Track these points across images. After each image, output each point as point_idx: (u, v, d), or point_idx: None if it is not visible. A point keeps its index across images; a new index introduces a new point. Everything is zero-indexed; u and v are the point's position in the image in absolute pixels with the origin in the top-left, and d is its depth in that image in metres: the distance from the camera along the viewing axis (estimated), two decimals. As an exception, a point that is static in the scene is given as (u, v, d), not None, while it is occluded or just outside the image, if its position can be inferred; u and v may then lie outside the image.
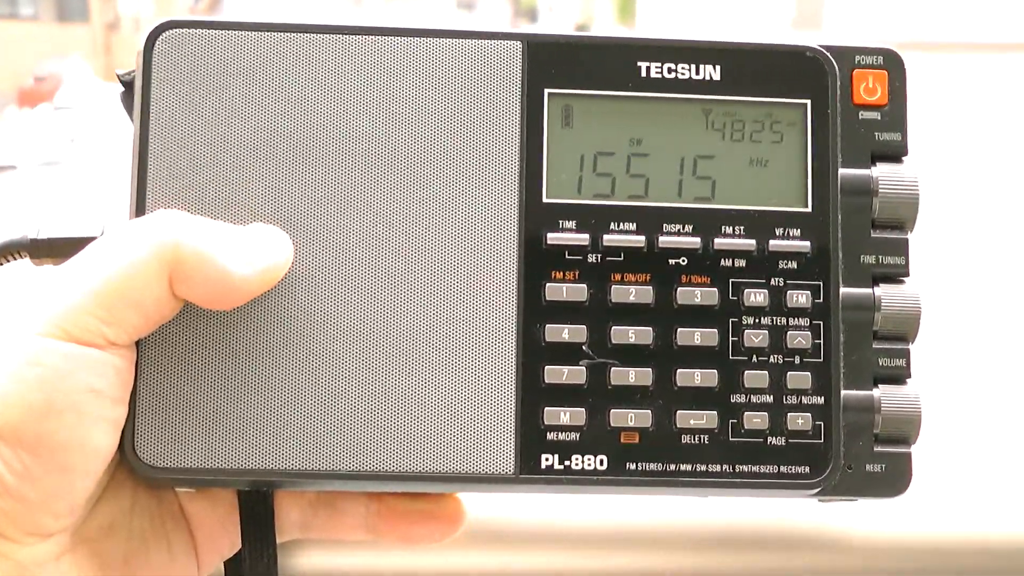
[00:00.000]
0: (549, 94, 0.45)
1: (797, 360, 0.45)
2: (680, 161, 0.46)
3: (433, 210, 0.44)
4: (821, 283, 0.45)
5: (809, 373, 0.45)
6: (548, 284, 0.44)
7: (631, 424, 0.44)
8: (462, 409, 0.43)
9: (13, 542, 0.38)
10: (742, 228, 0.45)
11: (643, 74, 0.46)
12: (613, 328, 0.44)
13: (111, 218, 0.45)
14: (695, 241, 0.45)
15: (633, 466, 0.44)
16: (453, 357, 0.43)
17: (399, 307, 0.44)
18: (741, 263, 0.45)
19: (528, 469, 0.43)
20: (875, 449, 0.45)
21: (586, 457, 0.44)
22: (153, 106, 0.44)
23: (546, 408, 0.44)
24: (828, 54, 0.46)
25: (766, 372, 0.44)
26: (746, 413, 0.44)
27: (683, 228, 0.45)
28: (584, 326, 0.44)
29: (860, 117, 0.46)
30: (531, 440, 0.43)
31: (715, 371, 0.44)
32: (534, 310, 0.44)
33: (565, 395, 0.44)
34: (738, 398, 0.44)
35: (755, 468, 0.44)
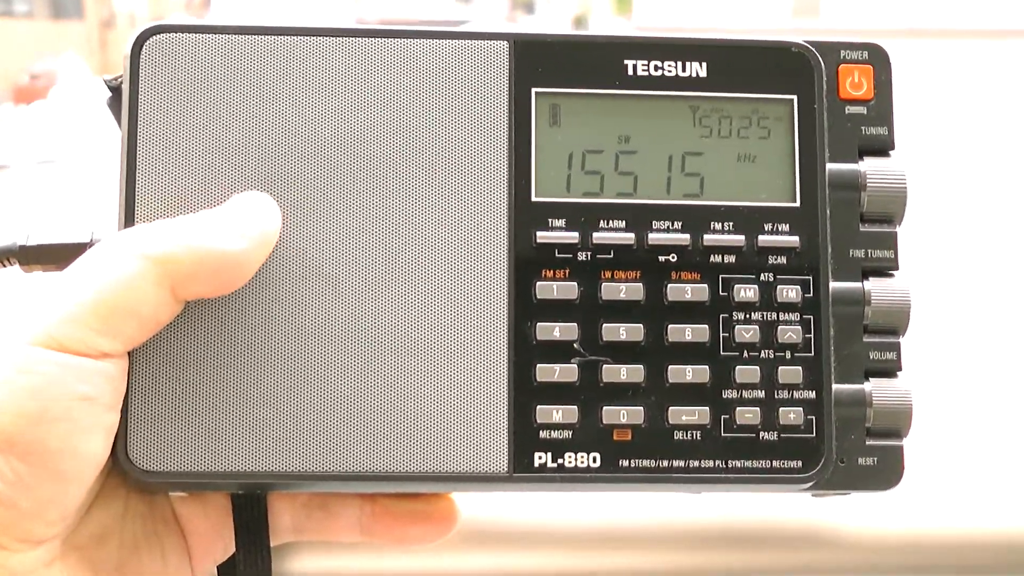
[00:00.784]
0: (537, 93, 0.45)
1: (788, 355, 0.45)
2: (668, 158, 0.46)
3: (423, 211, 0.44)
4: (811, 278, 0.45)
5: (800, 368, 0.45)
6: (538, 282, 0.44)
7: (623, 421, 0.44)
8: (454, 409, 0.43)
9: (4, 549, 0.38)
10: (731, 224, 0.45)
11: (630, 72, 0.46)
12: (604, 325, 0.44)
13: (100, 223, 0.45)
14: (684, 237, 0.45)
15: (626, 463, 0.44)
16: (444, 356, 0.43)
17: (390, 308, 0.44)
18: (731, 259, 0.45)
19: (521, 468, 0.43)
20: (867, 443, 0.45)
21: (579, 455, 0.44)
22: (141, 110, 0.44)
23: (538, 406, 0.44)
24: (814, 50, 0.46)
25: (757, 367, 0.44)
26: (738, 408, 0.44)
27: (672, 225, 0.45)
28: (575, 324, 0.44)
29: (846, 112, 0.46)
30: (524, 439, 0.43)
31: (706, 367, 0.44)
32: (525, 308, 0.44)
33: (557, 393, 0.44)
34: (730, 394, 0.44)
35: (748, 463, 0.44)
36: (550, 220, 0.45)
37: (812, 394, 0.45)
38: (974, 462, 0.54)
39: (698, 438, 0.44)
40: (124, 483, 0.43)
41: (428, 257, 0.44)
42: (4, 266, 0.45)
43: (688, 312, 0.45)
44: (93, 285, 0.39)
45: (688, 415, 0.44)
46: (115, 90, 0.46)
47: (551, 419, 0.44)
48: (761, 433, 0.44)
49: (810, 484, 0.44)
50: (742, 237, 0.45)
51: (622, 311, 0.44)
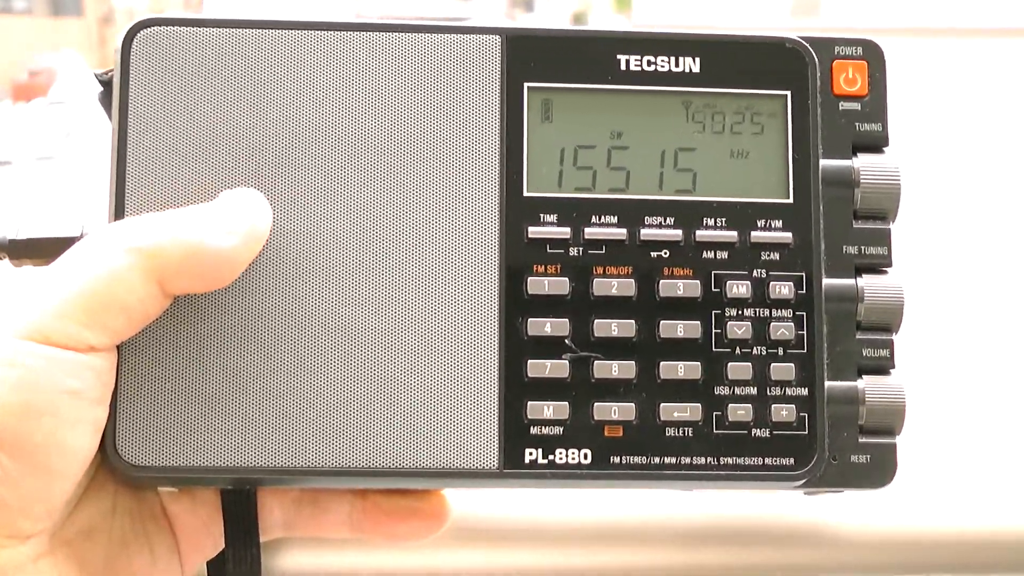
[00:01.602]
0: (529, 88, 0.45)
1: (781, 352, 0.45)
2: (661, 154, 0.45)
3: (414, 206, 0.44)
4: (804, 274, 0.45)
5: (793, 364, 0.45)
6: (530, 278, 0.44)
7: (615, 417, 0.44)
8: (445, 404, 0.43)
9: None
10: (724, 220, 0.45)
11: (623, 67, 0.45)
12: (596, 321, 0.44)
13: (91, 217, 0.45)
14: (677, 233, 0.45)
15: (617, 459, 0.44)
16: (435, 352, 0.43)
17: (380, 303, 0.43)
18: (723, 255, 0.45)
19: (512, 464, 0.43)
20: (860, 440, 0.45)
21: (570, 451, 0.44)
22: (132, 104, 0.44)
23: (529, 402, 0.43)
24: (808, 45, 0.46)
25: (750, 364, 0.44)
26: (730, 405, 0.44)
27: (665, 220, 0.45)
28: (567, 319, 0.44)
29: (840, 108, 0.46)
30: (514, 435, 0.43)
31: (698, 363, 0.44)
32: (516, 304, 0.44)
33: (548, 389, 0.44)
34: (722, 390, 0.44)
35: (740, 460, 0.44)
36: (542, 215, 0.44)
37: (804, 391, 0.44)
38: (968, 460, 0.54)
39: (690, 435, 0.44)
40: (112, 478, 0.43)
41: (419, 252, 0.44)
42: (-7, 260, 0.45)
43: (680, 308, 0.44)
44: (80, 278, 0.39)
45: (680, 411, 0.44)
46: (106, 84, 0.45)
47: (542, 415, 0.43)
48: (753, 430, 0.44)
49: (802, 482, 0.44)
50: (735, 233, 0.45)
51: (614, 307, 0.44)
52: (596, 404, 0.44)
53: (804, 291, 0.45)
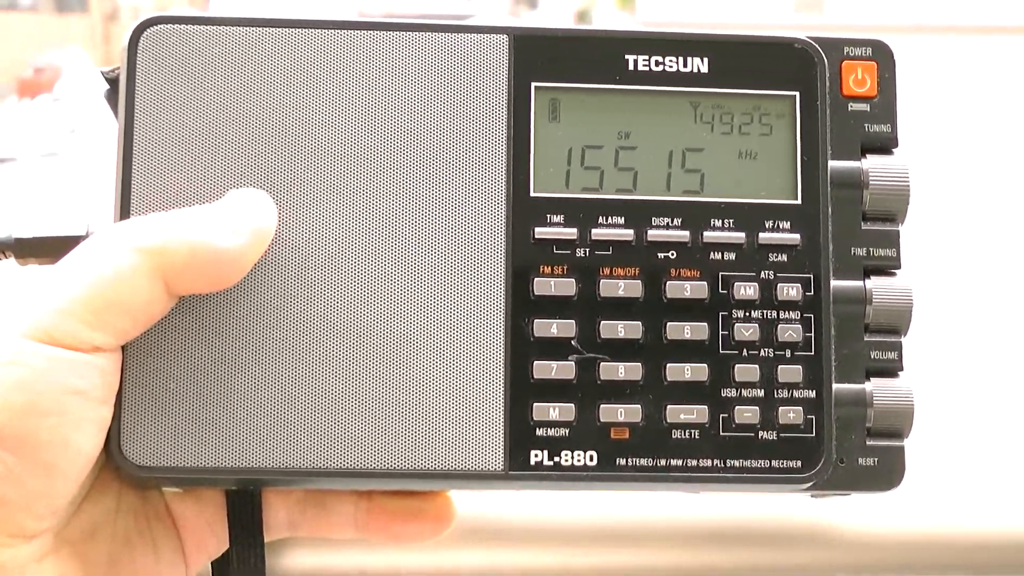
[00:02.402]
0: (536, 88, 0.45)
1: (788, 354, 0.44)
2: (669, 154, 0.45)
3: (420, 206, 0.44)
4: (812, 276, 0.45)
5: (800, 367, 0.44)
6: (536, 279, 0.44)
7: (621, 419, 0.43)
8: (450, 405, 0.43)
9: None
10: (731, 221, 0.45)
11: (630, 67, 0.45)
12: (602, 322, 0.44)
13: (96, 215, 0.45)
14: (684, 234, 0.45)
15: (623, 461, 0.43)
16: (440, 353, 0.43)
17: (385, 303, 0.43)
18: (731, 256, 0.45)
19: (517, 466, 0.43)
20: (867, 443, 0.45)
21: (576, 453, 0.43)
22: (138, 102, 0.43)
23: (535, 404, 0.43)
24: (817, 46, 0.46)
25: (757, 366, 0.44)
26: (737, 407, 0.44)
27: (672, 221, 0.45)
28: (573, 321, 0.44)
29: (849, 109, 0.46)
30: (520, 436, 0.43)
31: (705, 365, 0.44)
32: (522, 305, 0.44)
33: (554, 390, 0.43)
34: (729, 392, 0.44)
35: (746, 463, 0.44)
36: (548, 216, 0.44)
37: (812, 393, 0.44)
38: (974, 462, 0.54)
39: (696, 437, 0.44)
40: (116, 477, 0.43)
41: (425, 253, 0.44)
42: (0, 258, 0.45)
43: (687, 310, 0.44)
44: (85, 278, 0.38)
45: (686, 414, 0.44)
46: (112, 82, 0.45)
47: (548, 417, 0.43)
48: (760, 432, 0.44)
49: (809, 484, 0.44)
50: (742, 234, 0.45)
51: (620, 308, 0.44)
52: (602, 406, 0.44)
53: (812, 293, 0.45)
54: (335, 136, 0.44)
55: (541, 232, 0.44)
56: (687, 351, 0.44)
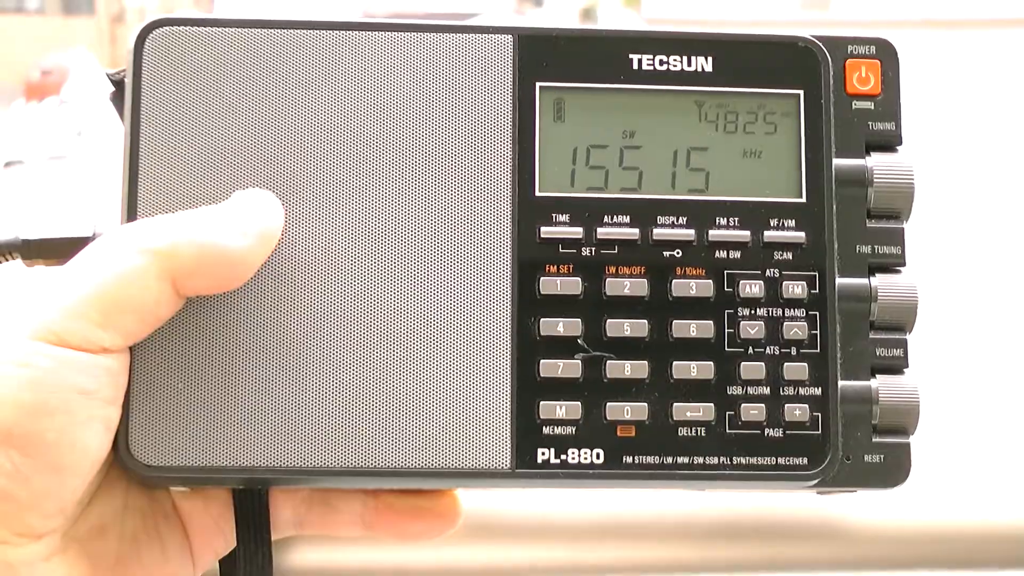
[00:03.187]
0: (541, 87, 0.45)
1: (794, 351, 0.44)
2: (673, 153, 0.45)
3: (425, 206, 0.44)
4: (817, 274, 0.45)
5: (806, 364, 0.44)
6: (542, 278, 0.44)
7: (627, 417, 0.44)
8: (457, 404, 0.43)
9: (2, 542, 0.38)
10: (736, 219, 0.45)
11: (635, 66, 0.45)
12: (608, 321, 0.44)
13: (103, 217, 0.45)
14: (689, 233, 0.45)
15: (630, 459, 0.44)
16: (447, 352, 0.43)
17: (393, 303, 0.43)
18: (736, 254, 0.45)
19: (524, 464, 0.43)
20: (873, 440, 0.45)
21: (582, 451, 0.43)
22: (144, 104, 0.44)
23: (541, 402, 0.43)
24: (821, 44, 0.46)
25: (763, 364, 0.44)
26: (743, 405, 0.44)
27: (677, 220, 0.45)
28: (579, 319, 0.44)
29: (853, 107, 0.46)
30: (527, 434, 0.43)
31: (711, 363, 0.44)
32: (528, 304, 0.44)
33: (560, 389, 0.44)
34: (735, 390, 0.44)
35: (753, 460, 0.44)
36: (554, 215, 0.44)
37: (818, 391, 0.44)
38: (982, 457, 0.54)
39: (702, 434, 0.44)
40: (124, 477, 0.43)
41: (431, 252, 0.44)
42: (6, 260, 0.45)
43: (693, 308, 0.44)
44: (94, 279, 0.39)
45: (692, 411, 0.44)
46: (118, 84, 0.45)
47: (554, 415, 0.43)
48: (766, 430, 0.44)
49: (816, 481, 0.44)
50: (748, 232, 0.45)
51: (626, 307, 0.44)
52: (608, 404, 0.44)
53: (817, 290, 0.45)
54: (340, 137, 0.44)
55: (547, 231, 0.44)
56: (693, 349, 0.44)
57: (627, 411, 0.44)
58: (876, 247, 0.45)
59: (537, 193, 0.44)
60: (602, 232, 0.44)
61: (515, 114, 0.45)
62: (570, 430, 0.43)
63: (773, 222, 0.45)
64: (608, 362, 0.44)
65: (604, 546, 0.51)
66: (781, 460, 0.44)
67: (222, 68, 0.44)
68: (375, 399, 0.43)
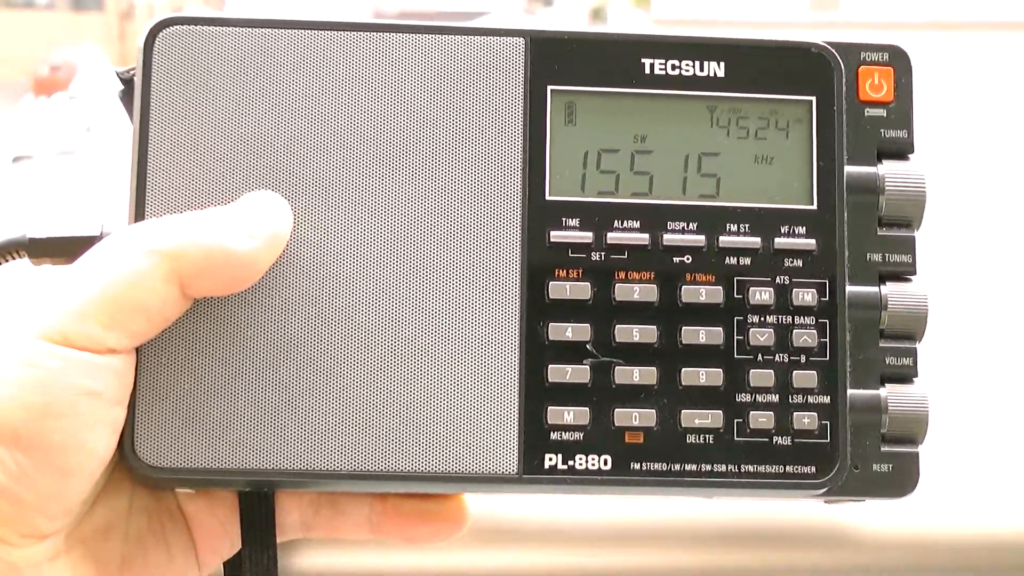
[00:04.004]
0: (552, 91, 0.45)
1: (803, 359, 0.44)
2: (685, 158, 0.45)
3: (435, 209, 0.44)
4: (827, 281, 0.45)
5: (815, 372, 0.44)
6: (551, 282, 0.44)
7: (635, 424, 0.43)
8: (465, 409, 0.43)
9: (7, 544, 0.38)
10: (747, 226, 0.45)
11: (647, 71, 0.45)
12: (617, 327, 0.44)
13: (111, 216, 0.45)
14: (700, 239, 0.44)
15: (637, 466, 0.43)
16: (456, 356, 0.43)
17: (401, 307, 0.43)
18: (746, 261, 0.45)
19: (532, 469, 0.43)
20: (882, 449, 0.44)
21: (590, 457, 0.43)
22: (153, 103, 0.44)
23: (549, 407, 0.43)
24: (833, 51, 0.46)
25: (772, 371, 0.44)
26: (752, 412, 0.44)
27: (688, 226, 0.45)
28: (588, 324, 0.44)
29: (866, 114, 0.46)
30: (535, 440, 0.43)
31: (720, 370, 0.44)
32: (537, 309, 0.44)
33: (569, 394, 0.43)
34: (744, 397, 0.44)
35: (761, 468, 0.44)
36: (564, 219, 0.44)
37: (827, 399, 0.44)
38: (989, 465, 0.54)
39: (711, 442, 0.44)
40: (129, 478, 0.43)
41: (440, 255, 0.44)
42: (14, 258, 0.45)
43: (702, 314, 0.44)
44: (101, 280, 0.39)
45: (701, 418, 0.44)
46: (127, 82, 0.45)
47: (562, 420, 0.43)
48: (775, 438, 0.44)
49: (824, 490, 0.44)
50: (758, 239, 0.45)
51: (635, 312, 0.44)
52: (617, 410, 0.43)
53: (827, 298, 0.45)
54: (350, 138, 0.44)
55: (556, 236, 0.44)
56: (702, 356, 0.44)
57: (635, 417, 0.43)
58: (887, 255, 0.45)
59: (547, 197, 0.44)
60: (612, 237, 0.44)
61: (526, 117, 0.44)
62: (578, 436, 0.43)
63: (784, 229, 0.45)
64: (617, 368, 0.44)
65: (611, 551, 0.51)
66: (789, 468, 0.44)
67: (232, 68, 0.44)
68: (382, 402, 0.43)
